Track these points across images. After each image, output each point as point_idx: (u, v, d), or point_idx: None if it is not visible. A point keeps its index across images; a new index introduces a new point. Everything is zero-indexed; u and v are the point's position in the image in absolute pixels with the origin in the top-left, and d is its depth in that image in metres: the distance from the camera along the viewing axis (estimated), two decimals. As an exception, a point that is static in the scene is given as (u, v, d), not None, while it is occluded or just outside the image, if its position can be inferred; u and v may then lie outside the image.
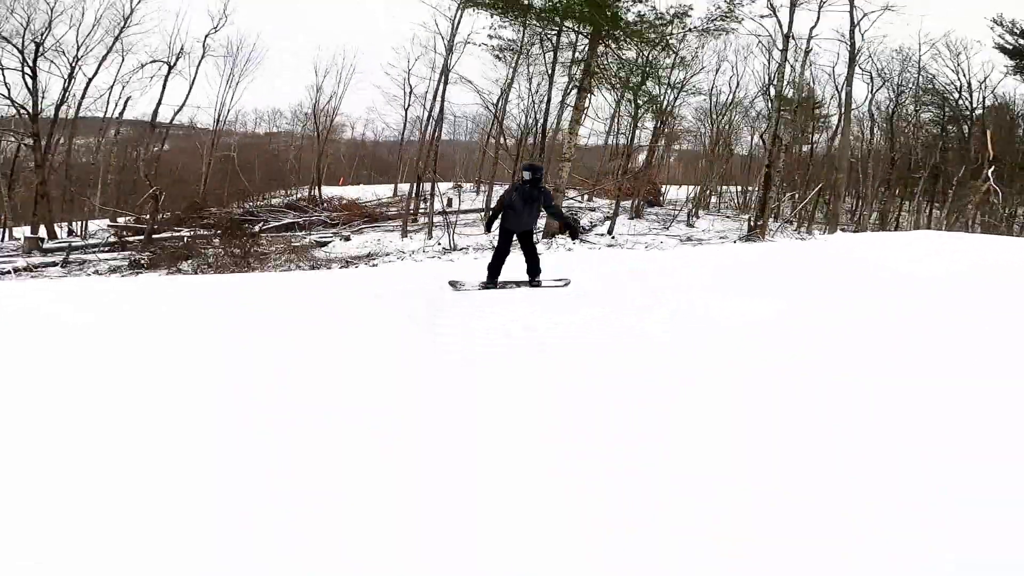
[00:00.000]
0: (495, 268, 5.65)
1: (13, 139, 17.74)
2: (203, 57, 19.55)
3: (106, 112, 18.47)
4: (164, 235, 14.29)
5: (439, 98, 15.78)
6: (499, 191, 18.53)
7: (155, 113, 19.16)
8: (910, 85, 18.89)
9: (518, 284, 5.60)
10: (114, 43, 17.97)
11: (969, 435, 2.15)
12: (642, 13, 12.60)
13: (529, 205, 5.60)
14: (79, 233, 17.40)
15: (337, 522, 1.72)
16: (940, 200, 18.89)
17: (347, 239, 14.29)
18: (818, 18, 14.80)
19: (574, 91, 14.46)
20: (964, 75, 18.52)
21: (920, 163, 17.99)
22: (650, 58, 13.52)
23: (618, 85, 13.88)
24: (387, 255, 11.35)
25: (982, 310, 4.15)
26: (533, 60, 16.96)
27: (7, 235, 18.41)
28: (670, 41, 13.24)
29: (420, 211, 16.66)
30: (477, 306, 4.71)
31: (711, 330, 4.04)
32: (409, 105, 22.16)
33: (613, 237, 14.36)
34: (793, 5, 14.04)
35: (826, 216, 16.99)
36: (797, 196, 17.64)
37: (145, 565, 1.51)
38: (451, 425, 2.46)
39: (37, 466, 1.98)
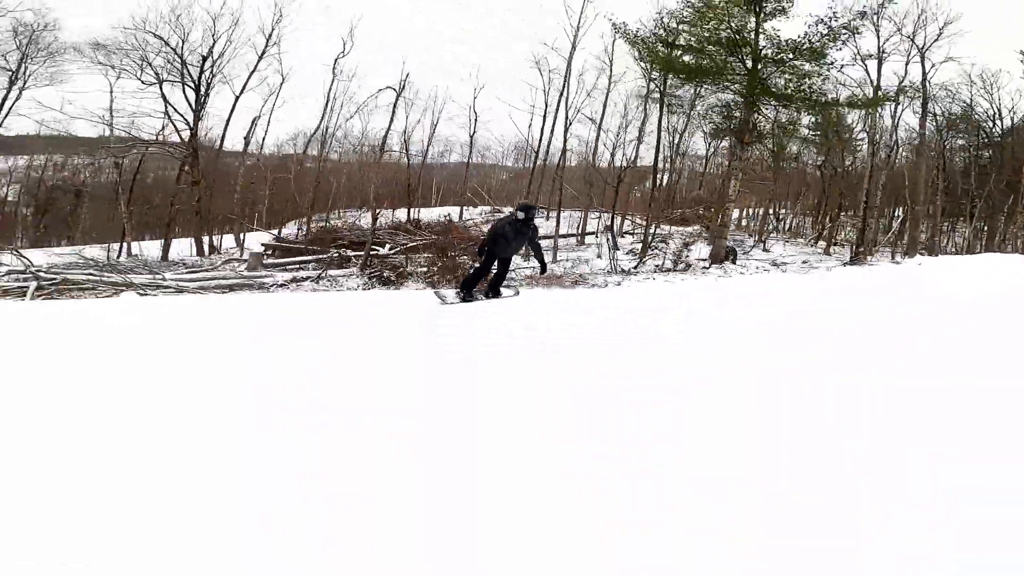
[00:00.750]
0: (473, 283, 6.97)
1: (170, 155, 19.86)
2: (334, 81, 21.37)
3: (266, 134, 20.96)
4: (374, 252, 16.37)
5: (559, 133, 19.65)
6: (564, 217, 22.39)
7: (384, 138, 21.45)
8: (956, 118, 22.39)
9: (485, 295, 6.97)
10: (258, 63, 20.29)
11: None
12: (792, 82, 16.04)
13: (518, 238, 6.96)
14: (220, 249, 20.44)
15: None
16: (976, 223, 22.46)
17: (481, 260, 17.70)
18: (905, 72, 18.70)
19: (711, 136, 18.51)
20: (995, 104, 21.97)
21: (976, 192, 21.38)
22: (797, 119, 17.17)
23: (769, 142, 17.48)
24: (588, 274, 14.52)
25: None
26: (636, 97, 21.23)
27: (127, 250, 20.86)
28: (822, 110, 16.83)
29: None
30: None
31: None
32: (475, 132, 25.14)
33: (735, 262, 17.52)
34: (880, 61, 18.24)
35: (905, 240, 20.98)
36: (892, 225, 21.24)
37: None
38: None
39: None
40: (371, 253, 16.41)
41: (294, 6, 21.66)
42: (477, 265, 7.29)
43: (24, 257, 11.53)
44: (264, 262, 16.14)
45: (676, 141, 24.62)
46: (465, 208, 25.74)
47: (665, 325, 4.59)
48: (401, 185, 23.23)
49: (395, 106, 21.17)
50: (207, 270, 15.24)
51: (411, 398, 3.08)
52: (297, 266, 15.83)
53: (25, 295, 9.23)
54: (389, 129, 21.31)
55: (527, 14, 34.62)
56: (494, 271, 7.17)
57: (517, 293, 7.41)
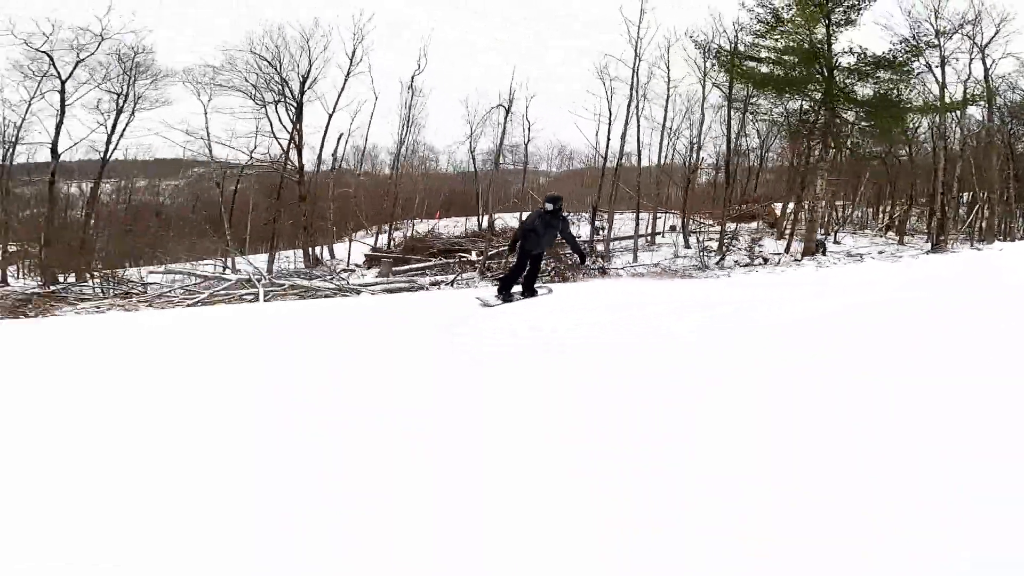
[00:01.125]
0: (511, 282, 7.16)
1: (278, 173, 21.72)
2: (412, 98, 22.89)
3: (359, 152, 22.89)
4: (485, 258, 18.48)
5: (617, 136, 21.81)
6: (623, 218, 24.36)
7: (498, 154, 22.84)
8: (1017, 106, 23.55)
9: (522, 295, 7.25)
10: (345, 81, 21.82)
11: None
12: (879, 91, 18.22)
13: (548, 231, 7.14)
14: (322, 259, 22.87)
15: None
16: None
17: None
18: (969, 72, 20.39)
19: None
20: (1049, 91, 22.93)
21: (1042, 179, 23.05)
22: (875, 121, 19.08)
23: (846, 145, 19.42)
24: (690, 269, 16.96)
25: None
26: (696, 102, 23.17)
27: (232, 265, 22.37)
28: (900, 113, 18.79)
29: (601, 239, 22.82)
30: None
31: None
32: (529, 140, 25.81)
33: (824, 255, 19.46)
34: (943, 63, 19.89)
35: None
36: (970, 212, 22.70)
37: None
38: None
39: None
40: (461, 260, 18.54)
41: (370, 25, 22.53)
42: (511, 264, 7.51)
43: (242, 266, 13.73)
44: (393, 270, 18.41)
45: (737, 142, 26.05)
46: (517, 214, 26.73)
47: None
48: (462, 195, 24.90)
49: (505, 122, 22.60)
50: (347, 276, 17.61)
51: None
52: (416, 272, 18.13)
53: (256, 300, 11.69)
54: (501, 145, 22.80)
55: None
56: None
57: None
